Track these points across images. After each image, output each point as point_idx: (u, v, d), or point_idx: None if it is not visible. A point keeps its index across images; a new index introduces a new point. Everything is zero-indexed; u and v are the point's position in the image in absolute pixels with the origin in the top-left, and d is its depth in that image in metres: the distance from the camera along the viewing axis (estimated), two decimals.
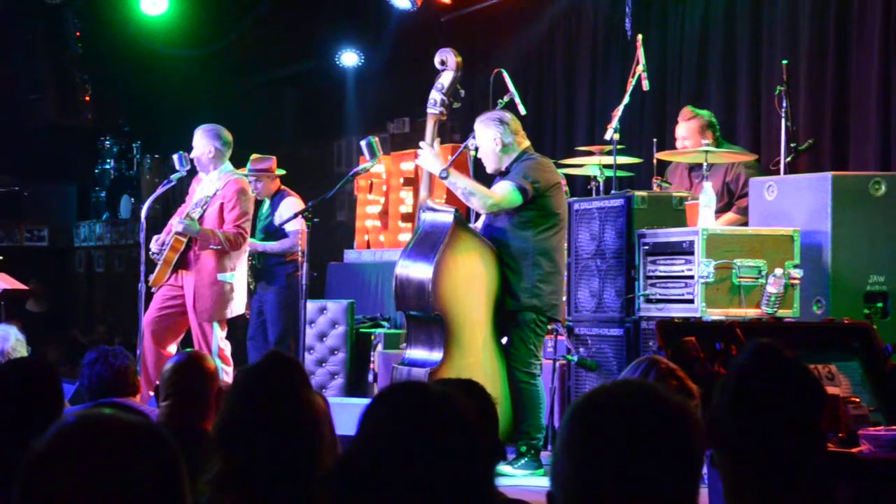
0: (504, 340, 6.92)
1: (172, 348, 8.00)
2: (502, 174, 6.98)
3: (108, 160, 14.56)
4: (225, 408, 2.82)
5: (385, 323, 9.90)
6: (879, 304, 6.58)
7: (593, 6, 10.40)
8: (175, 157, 8.22)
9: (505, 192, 6.85)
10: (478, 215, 7.28)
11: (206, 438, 3.03)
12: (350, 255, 11.09)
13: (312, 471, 2.65)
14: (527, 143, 7.05)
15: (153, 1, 11.97)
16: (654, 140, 8.07)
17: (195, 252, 7.94)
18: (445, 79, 7.12)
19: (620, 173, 7.82)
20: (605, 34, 10.23)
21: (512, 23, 11.08)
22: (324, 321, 9.75)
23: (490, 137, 6.97)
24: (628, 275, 6.84)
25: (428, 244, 6.94)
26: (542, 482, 6.40)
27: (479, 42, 10.85)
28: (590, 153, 8.00)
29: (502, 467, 6.52)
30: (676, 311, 6.52)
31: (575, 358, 7.00)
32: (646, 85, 7.60)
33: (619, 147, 7.54)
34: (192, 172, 8.38)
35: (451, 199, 8.43)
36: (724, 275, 6.46)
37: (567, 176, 8.21)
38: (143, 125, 14.53)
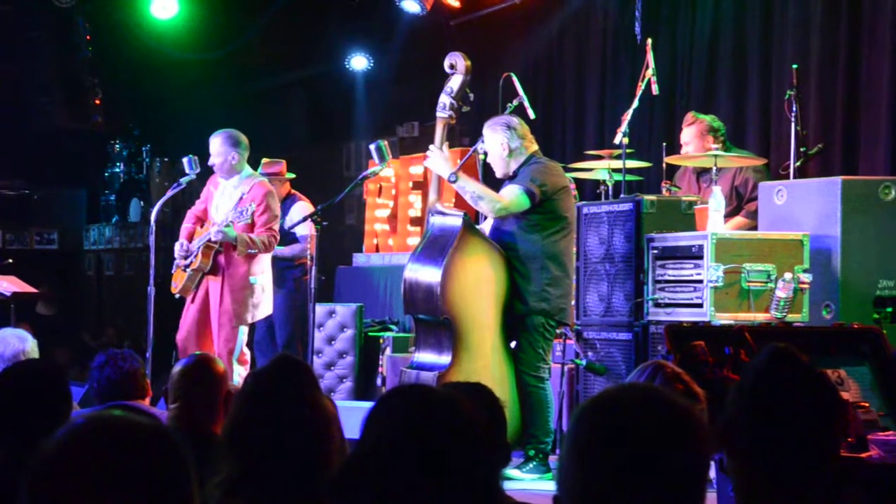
0: (513, 345, 6.92)
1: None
2: (511, 178, 6.98)
3: (118, 163, 14.59)
4: (234, 411, 2.83)
5: (394, 326, 9.90)
6: (889, 309, 6.56)
7: (603, 10, 10.40)
8: (185, 160, 8.22)
9: (513, 195, 6.85)
10: (484, 217, 7.29)
11: (214, 441, 3.03)
12: (359, 259, 11.09)
13: (321, 474, 2.65)
14: (535, 147, 7.05)
15: (163, 5, 11.98)
16: (664, 144, 8.06)
17: (226, 256, 7.91)
18: (455, 82, 7.12)
19: (629, 177, 7.82)
20: (614, 38, 10.23)
21: (521, 27, 11.08)
22: (332, 325, 9.75)
23: (497, 142, 6.98)
24: (637, 279, 6.83)
25: (437, 248, 6.94)
26: (551, 486, 6.39)
27: (488, 46, 10.85)
28: (599, 157, 8.00)
29: (510, 471, 6.52)
30: (685, 316, 6.51)
31: (583, 362, 7.00)
32: (655, 89, 7.60)
33: (628, 151, 7.53)
34: (203, 176, 8.37)
35: (460, 202, 8.44)
36: (734, 279, 6.45)
37: (576, 180, 8.21)
38: (153, 129, 14.54)
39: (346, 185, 8.16)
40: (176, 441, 1.69)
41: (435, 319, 6.89)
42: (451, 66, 7.16)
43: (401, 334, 9.52)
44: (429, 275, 6.89)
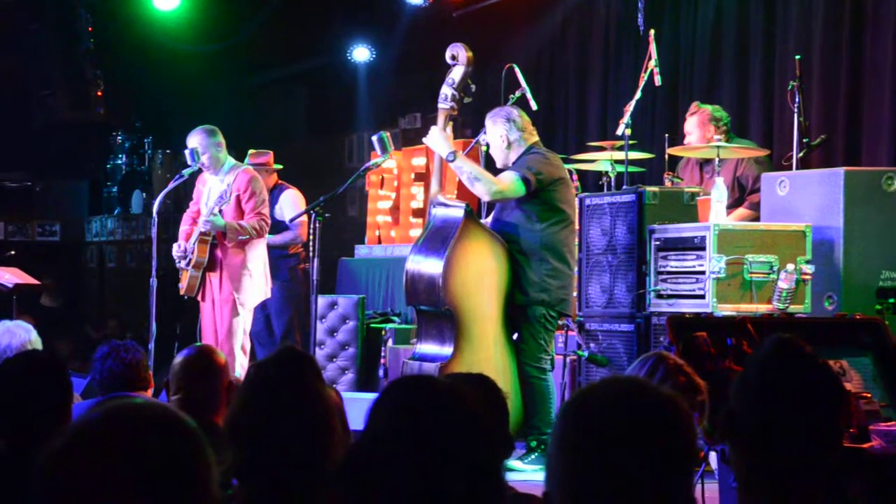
0: (515, 336, 6.92)
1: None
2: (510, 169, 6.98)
3: (120, 155, 14.58)
4: (237, 402, 2.82)
5: (395, 318, 9.90)
6: (891, 300, 6.55)
7: (605, 1, 10.39)
8: (187, 152, 8.22)
9: (509, 180, 6.85)
10: (487, 210, 7.28)
11: (216, 432, 3.03)
12: (361, 251, 11.09)
13: (324, 465, 2.65)
14: (535, 138, 7.05)
15: None
16: (666, 135, 8.05)
17: (222, 248, 7.94)
18: (456, 74, 7.11)
19: (632, 168, 7.81)
20: (617, 29, 10.22)
21: (524, 18, 11.07)
22: (334, 316, 9.76)
23: (497, 134, 6.98)
24: (639, 270, 6.82)
25: (438, 239, 6.94)
26: None
27: (490, 37, 10.83)
28: (601, 148, 7.99)
29: (512, 462, 6.52)
30: (687, 307, 6.50)
31: (585, 353, 7.00)
32: (658, 80, 7.59)
33: (630, 142, 7.52)
34: (198, 171, 8.38)
35: (462, 194, 8.43)
36: (736, 270, 6.45)
37: (578, 171, 8.21)
38: (155, 121, 14.55)
39: (348, 176, 8.15)
40: (194, 429, 1.69)
41: (437, 311, 6.89)
42: (453, 58, 7.15)
43: (403, 325, 9.52)
44: (431, 266, 6.89)
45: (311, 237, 7.62)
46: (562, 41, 10.84)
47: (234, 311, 7.90)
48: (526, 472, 6.58)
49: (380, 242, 11.04)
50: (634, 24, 9.39)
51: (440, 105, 7.13)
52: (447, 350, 6.83)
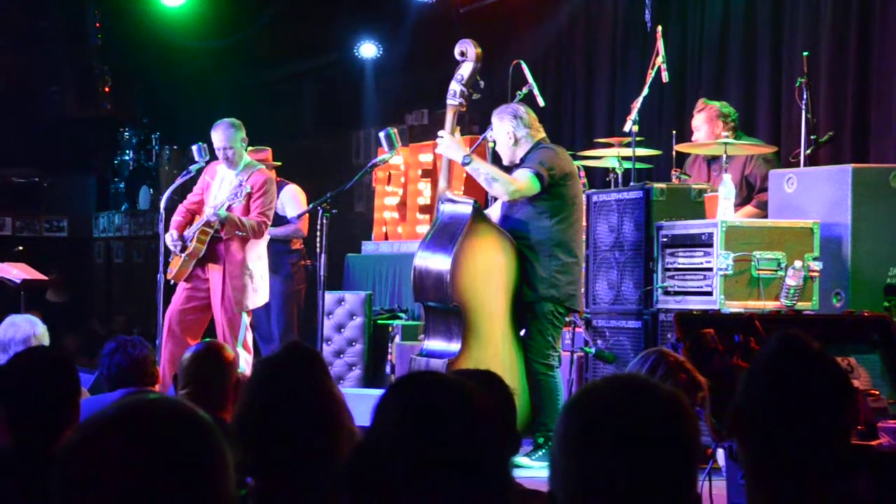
0: (522, 332, 6.92)
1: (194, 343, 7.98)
2: (517, 166, 6.98)
3: (128, 151, 14.60)
4: (245, 397, 2.83)
5: (403, 314, 9.90)
6: None
7: None
8: (194, 148, 8.22)
9: (525, 178, 6.84)
10: (491, 203, 7.28)
11: (224, 428, 3.03)
12: (368, 247, 11.10)
13: (332, 461, 2.65)
14: (542, 134, 7.04)
15: None
16: (674, 132, 8.05)
17: (225, 243, 7.91)
18: (465, 70, 7.11)
19: (639, 165, 7.80)
20: (624, 25, 10.21)
21: (531, 14, 11.06)
22: (342, 312, 9.76)
23: (504, 131, 6.98)
24: (647, 267, 6.82)
25: (446, 235, 6.94)
26: None
27: (497, 33, 10.83)
28: (609, 145, 7.99)
29: (520, 459, 6.52)
30: (695, 304, 6.50)
31: (593, 350, 7.00)
32: (665, 77, 7.58)
33: (637, 139, 7.52)
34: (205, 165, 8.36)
35: (470, 189, 8.43)
36: (743, 267, 6.44)
37: (586, 168, 8.20)
38: (163, 116, 14.56)
39: (356, 172, 8.15)
40: (212, 424, 1.69)
41: (445, 307, 6.89)
42: (462, 54, 7.15)
43: (410, 322, 9.52)
44: (439, 262, 6.90)
45: (317, 233, 7.62)
46: (569, 37, 10.84)
47: (235, 310, 7.88)
48: (533, 469, 6.58)
49: (387, 239, 11.05)
50: (642, 20, 9.39)
51: (449, 101, 7.13)
52: (455, 346, 6.83)
